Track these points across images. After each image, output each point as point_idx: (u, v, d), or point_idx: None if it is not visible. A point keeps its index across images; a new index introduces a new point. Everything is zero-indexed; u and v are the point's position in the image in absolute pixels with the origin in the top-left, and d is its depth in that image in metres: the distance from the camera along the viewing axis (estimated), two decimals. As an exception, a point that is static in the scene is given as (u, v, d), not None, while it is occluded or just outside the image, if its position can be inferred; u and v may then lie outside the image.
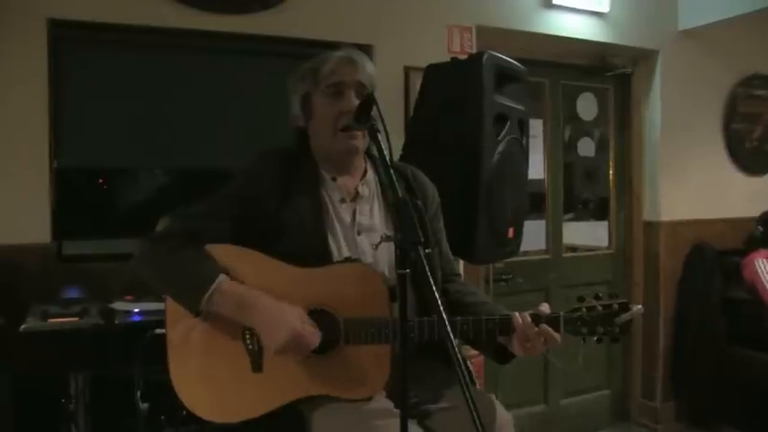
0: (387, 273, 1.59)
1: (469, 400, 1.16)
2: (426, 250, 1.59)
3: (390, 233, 1.62)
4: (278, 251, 1.55)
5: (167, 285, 1.56)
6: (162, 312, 2.02)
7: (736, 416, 3.77)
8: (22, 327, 1.96)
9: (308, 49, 2.69)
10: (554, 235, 3.78)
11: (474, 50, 3.16)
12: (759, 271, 3.66)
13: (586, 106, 3.90)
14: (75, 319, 2.03)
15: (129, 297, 2.28)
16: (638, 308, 1.53)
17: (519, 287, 3.55)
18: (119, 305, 2.17)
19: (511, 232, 2.48)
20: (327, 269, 1.55)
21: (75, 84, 2.50)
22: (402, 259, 1.28)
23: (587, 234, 4.12)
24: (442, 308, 1.23)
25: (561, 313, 1.52)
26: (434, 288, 1.24)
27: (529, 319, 1.49)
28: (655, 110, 3.87)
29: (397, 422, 1.38)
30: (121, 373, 2.00)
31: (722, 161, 4.12)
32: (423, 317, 1.50)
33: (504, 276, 3.50)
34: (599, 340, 1.54)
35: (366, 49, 2.39)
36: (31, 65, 2.41)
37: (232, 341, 1.53)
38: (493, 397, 1.61)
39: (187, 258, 1.52)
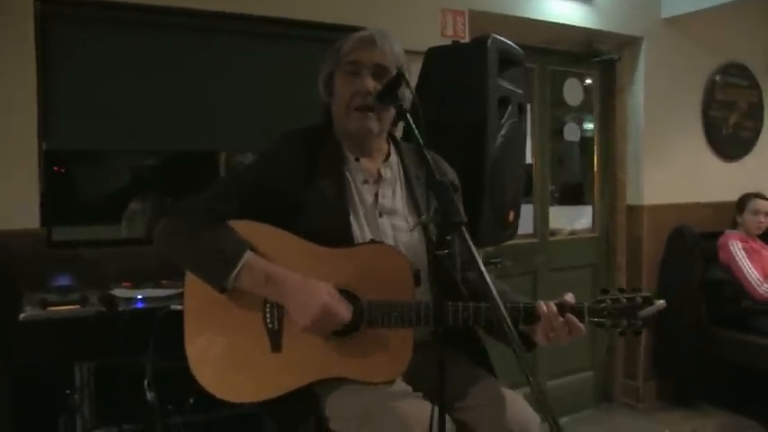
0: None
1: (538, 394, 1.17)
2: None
3: (415, 217, 1.60)
4: (299, 230, 1.52)
5: (191, 262, 1.51)
6: (167, 298, 1.99)
7: (715, 394, 3.89)
8: (22, 316, 1.88)
9: (304, 31, 2.69)
10: (541, 219, 3.81)
11: (467, 35, 3.15)
12: (734, 252, 3.76)
13: (572, 92, 3.93)
14: (77, 306, 1.96)
15: (127, 284, 2.22)
16: (660, 302, 1.53)
17: (508, 270, 3.57)
18: (119, 292, 2.11)
19: (511, 216, 2.48)
20: (352, 249, 1.52)
21: (64, 64, 2.40)
22: (440, 240, 1.27)
23: (572, 218, 4.16)
24: (493, 288, 1.19)
25: (586, 304, 1.51)
26: (481, 265, 1.20)
27: (554, 309, 1.47)
28: (638, 96, 3.93)
29: (415, 402, 1.39)
30: (127, 362, 1.94)
31: (701, 147, 4.20)
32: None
33: (492, 260, 3.51)
34: (622, 333, 1.53)
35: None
36: (18, 44, 2.30)
37: (251, 319, 1.50)
38: (522, 398, 1.59)
39: (212, 234, 1.48)
